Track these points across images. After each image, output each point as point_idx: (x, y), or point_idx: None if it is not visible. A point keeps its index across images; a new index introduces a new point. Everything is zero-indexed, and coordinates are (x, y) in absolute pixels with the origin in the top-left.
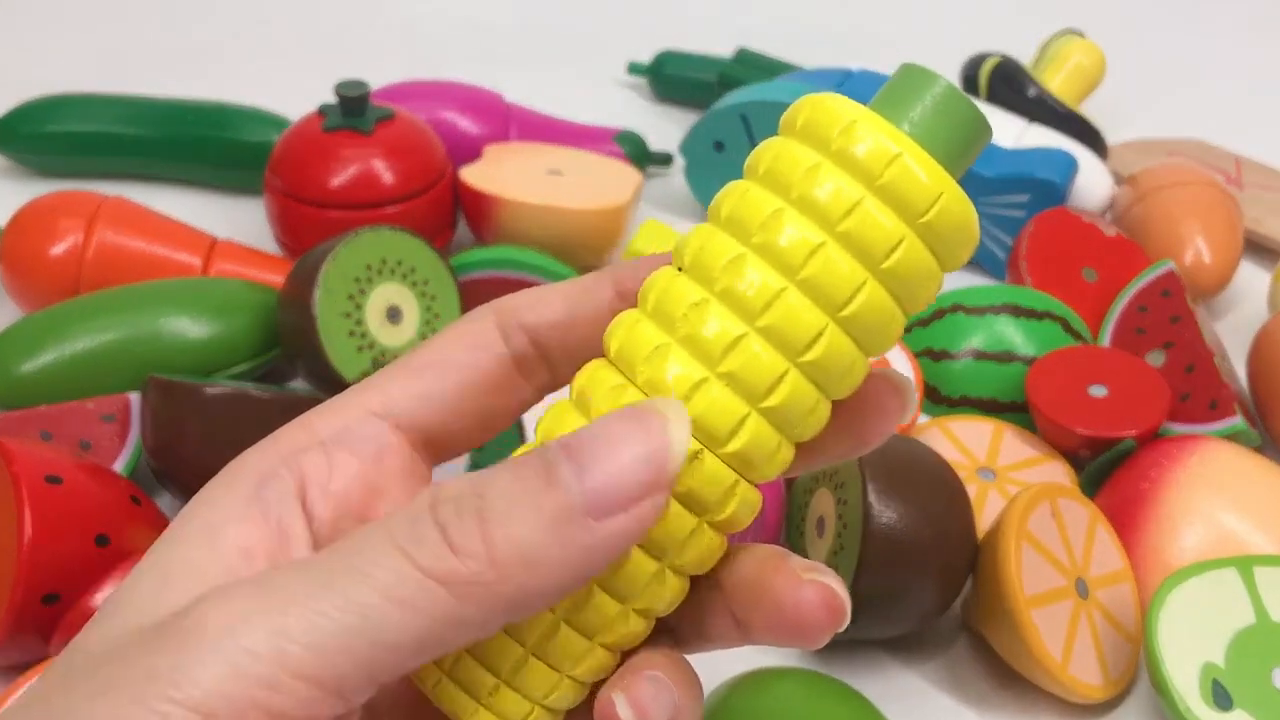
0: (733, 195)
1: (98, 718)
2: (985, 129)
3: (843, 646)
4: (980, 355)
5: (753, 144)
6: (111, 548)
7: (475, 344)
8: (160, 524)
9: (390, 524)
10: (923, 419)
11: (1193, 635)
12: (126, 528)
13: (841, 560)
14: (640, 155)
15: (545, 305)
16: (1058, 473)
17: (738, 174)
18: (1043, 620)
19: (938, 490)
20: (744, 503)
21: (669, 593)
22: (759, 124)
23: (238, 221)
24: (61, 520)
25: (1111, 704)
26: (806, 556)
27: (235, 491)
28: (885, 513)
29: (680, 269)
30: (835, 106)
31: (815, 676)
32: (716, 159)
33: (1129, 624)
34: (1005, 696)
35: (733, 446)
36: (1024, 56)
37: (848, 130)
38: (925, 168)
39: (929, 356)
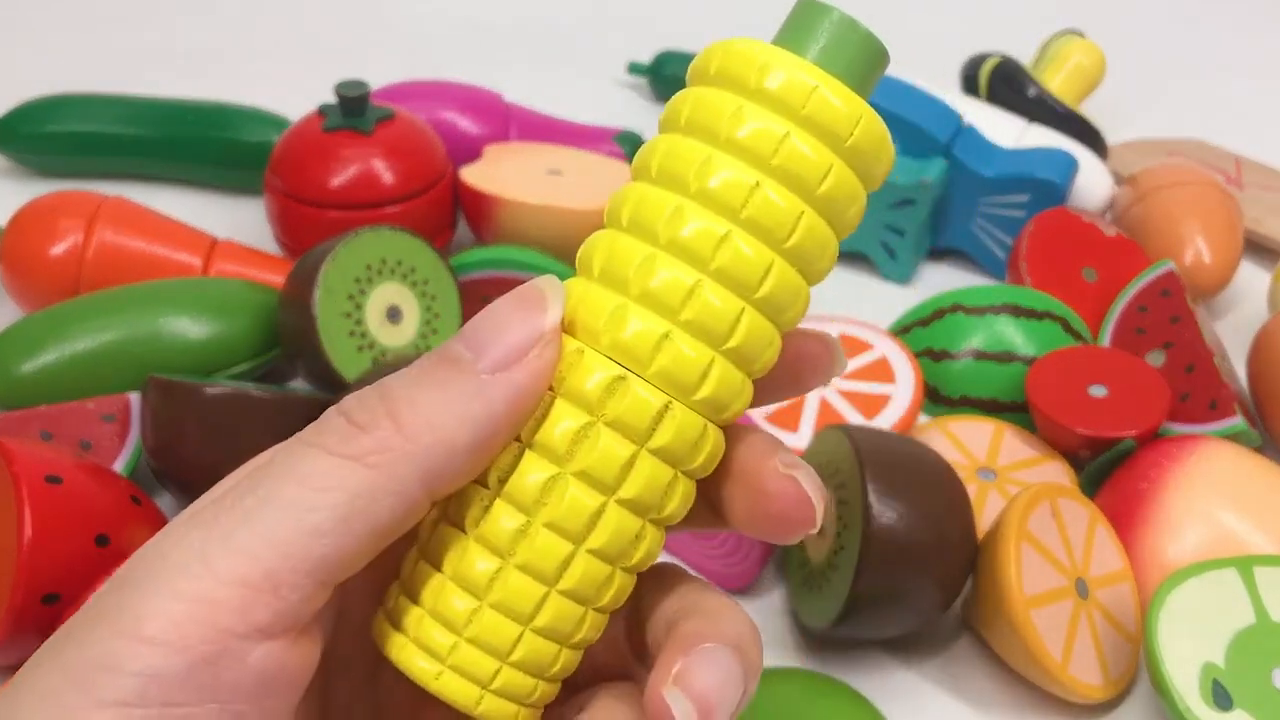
0: (659, 150)
1: (54, 675)
2: (883, 53)
3: (843, 646)
4: (980, 355)
5: None
6: (111, 548)
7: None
8: (160, 524)
9: (298, 433)
10: (923, 419)
11: (1193, 635)
12: (126, 528)
13: (841, 560)
14: None
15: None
16: (1058, 473)
17: None
18: (1042, 620)
19: (938, 490)
20: (714, 446)
21: (651, 545)
22: None
23: (238, 221)
24: (61, 520)
25: (1111, 704)
26: (807, 556)
27: None
28: (885, 513)
29: (618, 229)
30: (745, 49)
31: (815, 676)
32: None
33: (1129, 624)
34: (1005, 696)
35: (703, 393)
36: (1024, 56)
37: (763, 70)
38: (841, 95)
39: (929, 357)
